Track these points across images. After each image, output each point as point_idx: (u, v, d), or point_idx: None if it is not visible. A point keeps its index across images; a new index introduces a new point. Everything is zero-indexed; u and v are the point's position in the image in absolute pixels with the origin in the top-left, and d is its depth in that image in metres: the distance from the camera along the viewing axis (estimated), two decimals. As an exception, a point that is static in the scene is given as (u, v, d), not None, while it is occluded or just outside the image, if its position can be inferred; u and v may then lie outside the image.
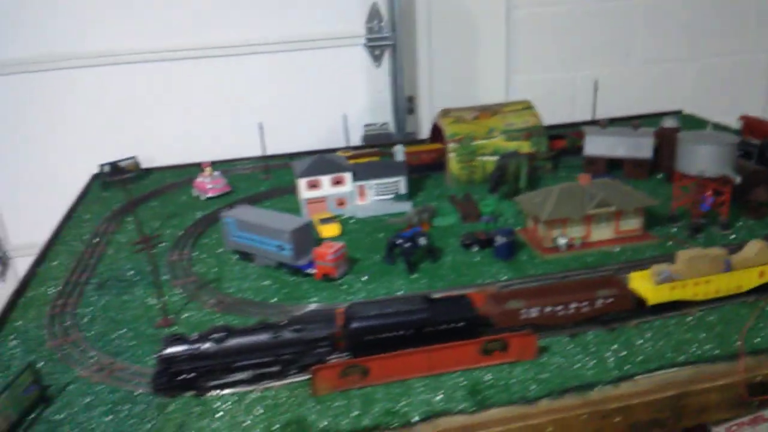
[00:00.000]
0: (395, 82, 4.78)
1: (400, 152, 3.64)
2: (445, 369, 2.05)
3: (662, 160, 3.73)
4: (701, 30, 5.18)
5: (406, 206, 3.49)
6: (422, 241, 2.77)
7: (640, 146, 3.70)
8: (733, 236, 2.96)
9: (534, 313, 2.18)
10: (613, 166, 3.82)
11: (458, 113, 4.01)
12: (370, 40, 4.67)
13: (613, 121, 4.42)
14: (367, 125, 4.85)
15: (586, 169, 3.84)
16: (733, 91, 5.43)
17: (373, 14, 4.63)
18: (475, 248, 2.95)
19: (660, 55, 5.22)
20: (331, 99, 4.70)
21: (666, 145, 3.73)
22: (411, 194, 3.66)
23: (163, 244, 3.17)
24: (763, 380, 2.06)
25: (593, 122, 4.35)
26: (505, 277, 2.69)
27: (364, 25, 4.64)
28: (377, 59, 4.76)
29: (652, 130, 3.78)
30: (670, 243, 2.91)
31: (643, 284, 2.30)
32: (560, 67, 5.14)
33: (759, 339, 2.16)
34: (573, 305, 2.21)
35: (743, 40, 5.29)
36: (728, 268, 2.31)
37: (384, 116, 4.91)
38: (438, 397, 1.96)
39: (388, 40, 4.67)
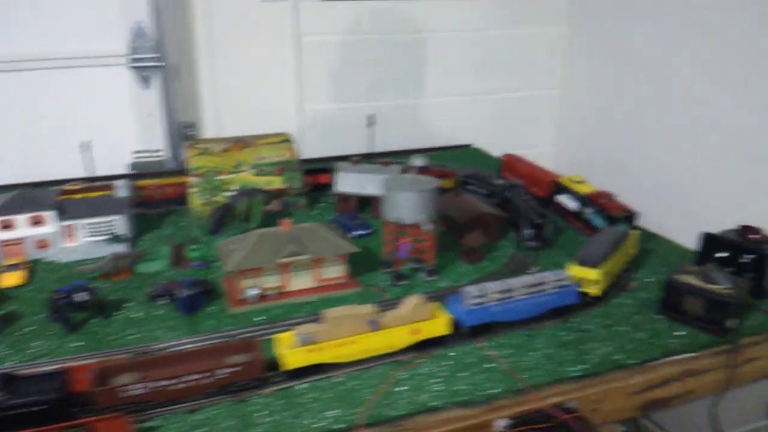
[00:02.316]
0: (167, 106, 4.46)
1: (122, 187, 3.32)
2: (5, 465, 1.74)
3: (407, 199, 3.66)
4: (492, 67, 5.28)
5: (124, 248, 3.17)
6: (80, 297, 2.44)
7: (385, 184, 3.60)
8: (443, 282, 2.89)
9: (139, 389, 1.92)
10: (365, 203, 3.70)
11: (206, 145, 3.75)
12: (135, 60, 4.32)
13: (402, 154, 4.43)
14: (136, 152, 4.49)
15: (339, 207, 3.70)
16: (527, 125, 5.58)
17: (138, 33, 4.29)
18: (164, 301, 2.67)
19: (452, 90, 5.25)
20: (87, 124, 4.26)
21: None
22: (143, 233, 3.34)
23: None
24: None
25: (371, 156, 4.25)
26: (175, 335, 2.44)
27: (128, 45, 4.28)
28: (145, 81, 4.41)
29: (400, 168, 3.70)
30: (374, 290, 2.79)
31: (283, 347, 2.11)
32: (352, 97, 5.03)
33: (386, 405, 2.02)
34: (192, 377, 1.97)
35: (534, 78, 5.46)
36: (376, 327, 2.18)
37: (159, 143, 4.57)
38: (-29, 505, 1.65)
39: (156, 61, 4.34)
